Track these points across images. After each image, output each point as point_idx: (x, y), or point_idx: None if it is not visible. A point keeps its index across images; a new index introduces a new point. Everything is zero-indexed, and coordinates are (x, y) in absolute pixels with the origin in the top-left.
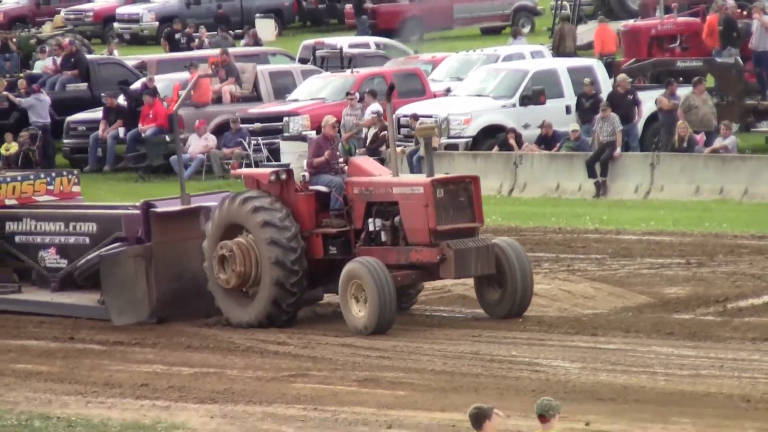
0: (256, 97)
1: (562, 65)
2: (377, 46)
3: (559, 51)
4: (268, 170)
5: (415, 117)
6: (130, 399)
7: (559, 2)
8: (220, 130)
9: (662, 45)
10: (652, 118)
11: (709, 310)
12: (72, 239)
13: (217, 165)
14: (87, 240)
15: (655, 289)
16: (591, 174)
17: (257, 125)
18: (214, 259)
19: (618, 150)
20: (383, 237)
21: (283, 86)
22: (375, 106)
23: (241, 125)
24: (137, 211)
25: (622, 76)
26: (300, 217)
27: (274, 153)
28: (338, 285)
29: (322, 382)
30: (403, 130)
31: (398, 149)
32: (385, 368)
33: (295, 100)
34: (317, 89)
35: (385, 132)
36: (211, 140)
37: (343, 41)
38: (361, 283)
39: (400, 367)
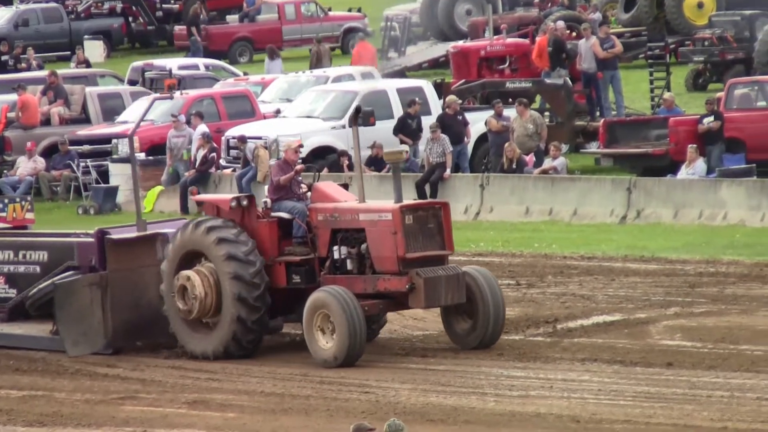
0: (84, 119)
1: (391, 86)
2: (206, 67)
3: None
4: (229, 197)
5: (243, 139)
6: None
7: (389, 23)
8: (48, 152)
9: (492, 66)
10: (481, 139)
11: (539, 330)
12: (22, 268)
13: (46, 187)
14: (38, 269)
15: None
16: (421, 195)
17: (86, 147)
18: (174, 287)
19: (448, 171)
20: (349, 265)
21: (111, 108)
22: (202, 128)
23: (70, 147)
24: (90, 239)
25: (451, 97)
26: (262, 245)
27: (103, 175)
28: (301, 314)
29: (151, 404)
30: (232, 152)
31: (226, 171)
32: (215, 390)
33: (125, 122)
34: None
35: (214, 154)
36: (40, 162)
37: (173, 63)
38: (328, 313)
39: (230, 389)
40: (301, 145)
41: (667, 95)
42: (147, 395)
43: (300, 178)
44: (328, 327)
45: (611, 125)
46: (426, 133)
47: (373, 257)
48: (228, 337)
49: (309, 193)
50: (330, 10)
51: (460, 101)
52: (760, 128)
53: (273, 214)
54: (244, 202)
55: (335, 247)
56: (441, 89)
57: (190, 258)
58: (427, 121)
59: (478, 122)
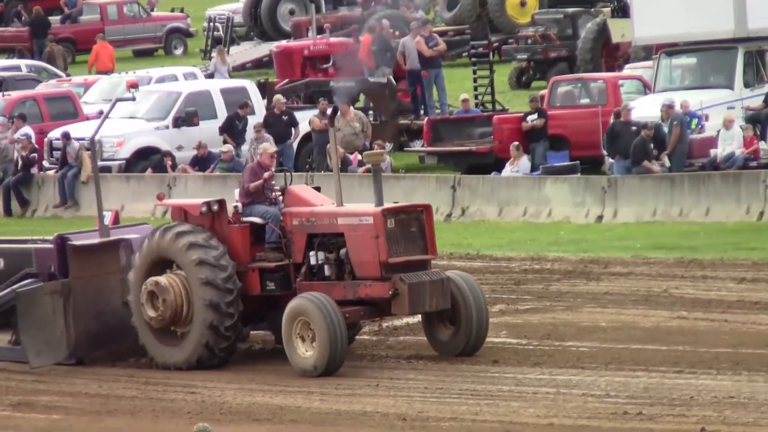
0: None
1: (215, 86)
2: (29, 68)
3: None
4: (199, 201)
5: (67, 136)
6: None
7: (212, 23)
8: None
9: (315, 65)
10: (306, 139)
11: (365, 329)
12: None
13: None
14: None
15: None
16: None
17: None
18: (142, 295)
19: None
20: (327, 271)
21: None
22: (25, 130)
23: None
24: (50, 245)
25: (277, 96)
26: (234, 251)
27: None
28: (273, 322)
29: None
30: (56, 153)
31: (50, 172)
32: (40, 392)
33: None
34: None
35: (35, 155)
36: None
37: None
38: (307, 321)
39: (55, 390)
40: (277, 151)
41: (463, 96)
42: None
43: (273, 182)
44: (308, 335)
45: (435, 123)
46: (250, 134)
47: (354, 263)
48: (200, 346)
49: (281, 197)
50: (153, 10)
51: (284, 100)
52: (584, 125)
53: (244, 219)
54: (215, 207)
55: (312, 253)
56: (265, 89)
57: (160, 266)
58: (252, 121)
59: (302, 122)
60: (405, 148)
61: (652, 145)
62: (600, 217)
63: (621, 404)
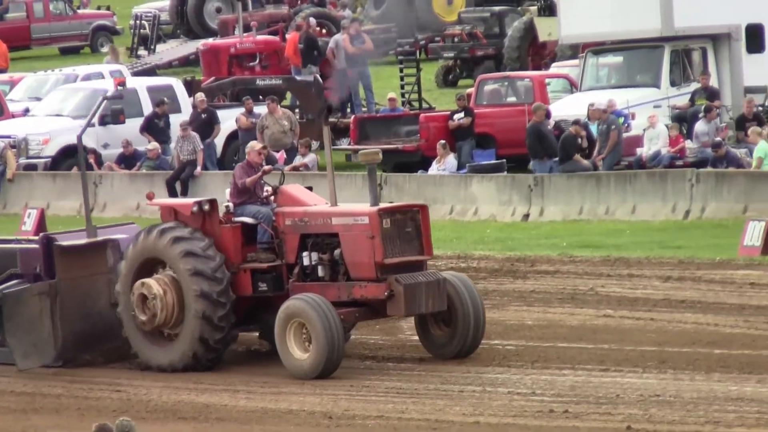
0: None
1: (141, 84)
2: None
3: None
4: (189, 201)
5: None
6: None
7: (138, 21)
8: None
9: (242, 63)
10: (233, 137)
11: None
12: None
13: None
14: None
15: None
16: (172, 193)
17: None
18: (132, 298)
19: (199, 168)
20: (320, 272)
21: None
22: None
23: None
24: (35, 246)
25: (198, 94)
26: (225, 251)
27: None
28: (264, 324)
29: None
30: None
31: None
32: None
33: None
34: None
35: None
36: None
37: None
38: (303, 322)
39: None
40: (264, 147)
41: (390, 95)
42: None
43: (263, 181)
44: (303, 337)
45: (362, 122)
46: (175, 131)
47: (348, 263)
48: (194, 339)
49: (273, 197)
50: (79, 8)
51: (205, 99)
52: (510, 124)
53: (236, 219)
54: (206, 207)
55: (305, 253)
56: (191, 87)
57: (148, 267)
58: (178, 119)
59: (228, 120)
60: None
61: (580, 140)
62: (526, 216)
63: (547, 402)
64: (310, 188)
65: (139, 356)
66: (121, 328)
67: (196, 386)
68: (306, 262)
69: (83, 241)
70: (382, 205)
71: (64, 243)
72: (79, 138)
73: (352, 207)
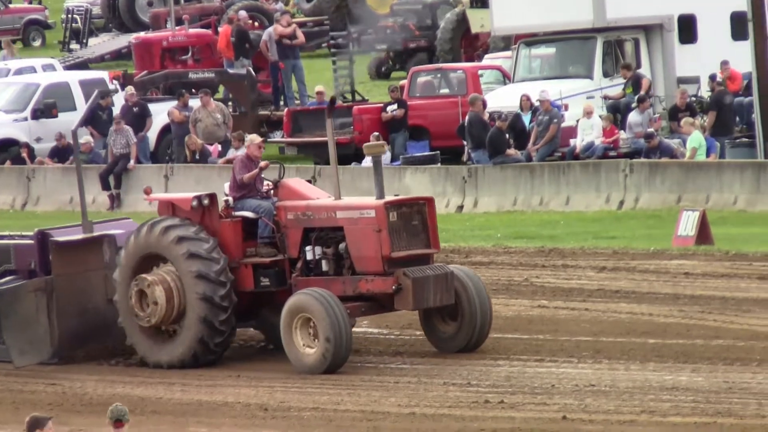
0: None
1: (73, 78)
2: None
3: None
4: (189, 195)
5: None
6: None
7: (70, 15)
8: None
9: (174, 57)
10: (166, 130)
11: None
12: None
13: None
14: None
15: None
16: (105, 186)
17: None
18: (130, 294)
19: (132, 162)
20: (324, 266)
21: None
22: None
23: None
24: (30, 241)
25: (129, 88)
26: (226, 246)
27: None
28: (268, 320)
29: None
30: None
31: None
32: None
33: None
34: None
35: None
36: None
37: None
38: (309, 317)
39: None
40: (264, 141)
41: (318, 87)
42: None
43: (263, 174)
44: (309, 331)
45: (295, 114)
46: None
47: (354, 257)
48: (194, 341)
49: (272, 191)
50: (11, 2)
51: (134, 92)
52: (443, 115)
53: (236, 213)
54: (206, 201)
55: (308, 248)
56: (124, 81)
57: (147, 262)
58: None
59: (161, 113)
60: (267, 140)
61: (507, 135)
62: (461, 207)
63: (482, 393)
64: (310, 181)
65: (138, 353)
66: (118, 326)
67: (132, 379)
68: (309, 256)
69: (79, 236)
70: (389, 198)
71: (60, 239)
72: (74, 133)
73: (357, 200)
